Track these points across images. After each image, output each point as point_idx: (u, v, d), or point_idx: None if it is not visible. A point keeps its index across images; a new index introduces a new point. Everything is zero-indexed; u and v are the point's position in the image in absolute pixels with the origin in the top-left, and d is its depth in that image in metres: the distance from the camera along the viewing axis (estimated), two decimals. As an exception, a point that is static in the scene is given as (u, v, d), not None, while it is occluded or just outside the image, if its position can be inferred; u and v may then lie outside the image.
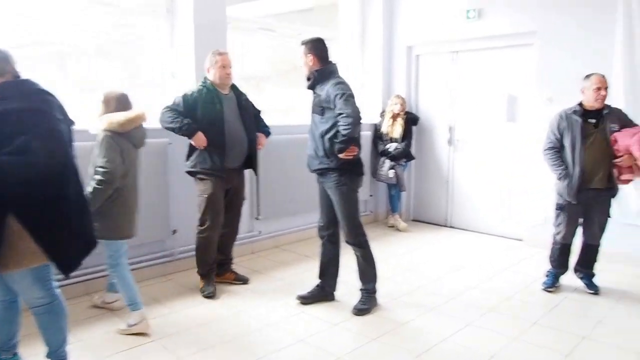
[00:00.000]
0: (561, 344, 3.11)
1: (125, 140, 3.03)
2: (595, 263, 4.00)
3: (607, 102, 3.77)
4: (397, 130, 5.79)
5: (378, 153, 5.93)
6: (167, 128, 3.70)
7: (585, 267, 4.03)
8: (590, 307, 3.70)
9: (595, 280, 4.01)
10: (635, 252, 4.49)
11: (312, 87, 3.46)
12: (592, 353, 2.99)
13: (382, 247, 5.16)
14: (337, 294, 3.74)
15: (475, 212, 5.85)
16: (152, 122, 3.58)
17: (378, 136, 5.96)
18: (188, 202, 4.10)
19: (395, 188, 5.91)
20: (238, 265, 4.30)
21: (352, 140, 3.25)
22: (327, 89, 3.32)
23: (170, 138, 4.04)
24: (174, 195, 4.18)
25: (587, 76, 3.78)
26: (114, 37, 4.27)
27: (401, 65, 6.28)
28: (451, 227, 6.05)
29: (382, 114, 6.03)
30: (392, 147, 5.78)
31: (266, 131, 4.14)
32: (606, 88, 3.72)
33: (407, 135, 5.82)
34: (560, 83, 4.89)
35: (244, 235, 4.73)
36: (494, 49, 5.56)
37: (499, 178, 5.61)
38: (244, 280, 4.08)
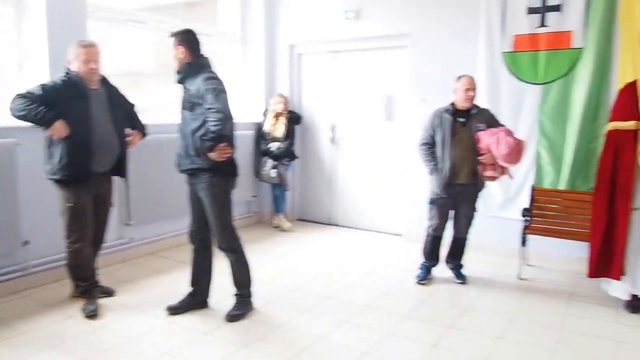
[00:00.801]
0: (430, 335, 3.21)
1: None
2: (464, 255, 4.23)
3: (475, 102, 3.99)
4: (279, 130, 5.71)
5: (260, 152, 5.81)
6: (19, 117, 3.16)
7: (455, 259, 4.24)
8: (458, 296, 3.88)
9: (464, 270, 4.23)
10: (499, 243, 4.81)
11: (181, 81, 3.24)
12: (456, 341, 3.11)
13: (265, 249, 5.07)
14: (211, 300, 3.55)
15: (357, 210, 5.95)
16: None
17: (260, 135, 5.84)
18: (43, 209, 3.69)
19: (278, 188, 5.83)
20: (105, 276, 3.95)
21: (222, 138, 3.06)
22: (197, 84, 3.12)
23: (19, 138, 3.60)
24: (24, 202, 3.71)
25: (459, 77, 3.98)
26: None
27: (284, 64, 6.22)
28: (335, 225, 6.10)
29: (265, 113, 5.92)
30: (274, 146, 5.69)
31: (141, 128, 3.78)
32: (474, 89, 3.92)
33: (289, 134, 5.76)
34: (432, 84, 5.11)
35: (113, 243, 4.36)
36: (371, 49, 5.69)
37: (378, 175, 5.75)
38: (108, 293, 3.74)
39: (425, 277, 4.15)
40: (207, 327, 3.24)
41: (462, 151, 3.91)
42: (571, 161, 4.44)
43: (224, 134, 3.08)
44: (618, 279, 3.51)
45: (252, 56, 6.18)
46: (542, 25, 4.52)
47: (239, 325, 3.29)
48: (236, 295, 3.44)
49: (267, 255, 4.83)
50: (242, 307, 3.41)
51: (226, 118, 3.06)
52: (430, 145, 4.04)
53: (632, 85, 3.50)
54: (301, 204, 6.39)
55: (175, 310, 3.43)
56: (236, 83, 6.05)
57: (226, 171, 3.28)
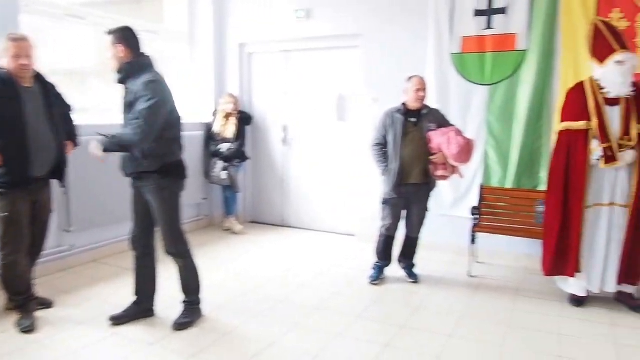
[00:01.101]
0: (382, 335, 3.19)
1: None
2: (416, 254, 4.25)
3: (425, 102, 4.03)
4: (230, 130, 5.58)
5: (210, 154, 5.67)
6: None
7: (407, 258, 4.26)
8: (410, 296, 3.89)
9: (416, 269, 4.25)
10: (450, 241, 4.88)
11: (122, 81, 3.07)
12: (409, 340, 3.11)
13: (216, 252, 4.94)
14: (157, 308, 3.40)
15: (310, 211, 5.90)
16: None
17: (210, 136, 5.69)
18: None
19: (229, 190, 5.70)
20: (43, 286, 3.73)
21: (122, 148, 2.95)
22: (138, 85, 2.95)
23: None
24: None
25: (409, 78, 3.99)
26: None
27: (233, 63, 6.09)
28: (288, 226, 6.03)
29: (215, 113, 5.78)
30: (224, 147, 5.56)
31: (74, 137, 3.56)
32: (425, 89, 3.95)
33: (240, 135, 5.65)
34: (384, 84, 5.13)
35: (52, 251, 4.11)
36: (323, 49, 5.66)
37: (331, 176, 5.72)
38: (46, 304, 3.51)
39: (378, 277, 4.15)
40: (153, 337, 3.10)
41: (413, 151, 3.93)
42: (517, 160, 4.55)
43: (126, 146, 2.94)
44: (573, 276, 3.57)
45: (201, 55, 6.03)
46: (489, 27, 4.61)
47: (187, 334, 3.16)
48: (184, 302, 3.31)
49: (217, 259, 4.70)
50: (190, 315, 3.28)
51: (144, 137, 2.89)
52: (382, 146, 4.05)
53: (580, 86, 3.60)
54: (253, 205, 6.28)
55: (118, 320, 3.26)
56: (184, 82, 5.88)
57: (174, 173, 3.15)
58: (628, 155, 3.38)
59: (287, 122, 5.96)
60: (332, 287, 4.01)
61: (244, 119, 5.78)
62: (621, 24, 4.01)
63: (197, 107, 5.95)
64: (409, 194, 4.02)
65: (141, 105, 2.89)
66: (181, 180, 3.21)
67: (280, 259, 4.77)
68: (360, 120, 5.38)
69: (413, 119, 3.97)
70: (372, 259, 4.26)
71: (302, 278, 4.22)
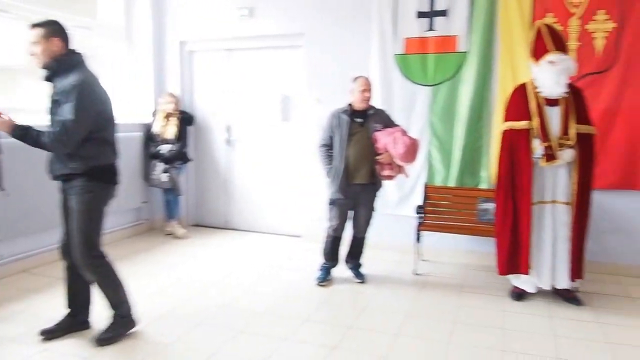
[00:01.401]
0: (330, 337, 3.15)
1: None
2: (363, 254, 4.25)
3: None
4: (170, 131, 5.38)
5: (150, 156, 5.43)
6: None
7: (354, 258, 4.25)
8: (358, 296, 3.87)
9: (363, 269, 4.24)
10: (396, 240, 4.92)
11: (50, 78, 2.86)
12: (356, 341, 3.08)
13: (157, 258, 4.74)
14: (94, 320, 3.19)
15: (255, 212, 5.79)
16: None
17: (150, 137, 5.46)
18: None
19: (171, 193, 5.49)
20: (-36, 300, 3.44)
21: (37, 144, 2.77)
22: (66, 85, 2.74)
23: None
24: None
25: (355, 78, 3.98)
26: None
27: (174, 61, 5.89)
28: (232, 229, 5.89)
29: (154, 113, 5.55)
30: (165, 148, 5.35)
31: None
32: (370, 90, 3.95)
33: (181, 135, 5.45)
34: (327, 84, 5.11)
35: (-25, 262, 3.81)
36: (267, 48, 5.57)
37: (276, 177, 5.64)
38: (-31, 319, 3.24)
39: (325, 278, 4.11)
40: (87, 351, 2.90)
41: (360, 151, 3.92)
42: (459, 159, 4.65)
43: (32, 142, 2.78)
44: (527, 273, 3.64)
45: (139, 52, 5.78)
46: (431, 29, 4.69)
47: (120, 348, 2.96)
48: (113, 315, 3.06)
49: (158, 265, 4.51)
50: (115, 329, 3.02)
51: (60, 146, 2.75)
52: (328, 147, 4.02)
53: (522, 87, 3.70)
54: (196, 208, 6.09)
55: (50, 334, 3.03)
56: (121, 81, 5.62)
57: (103, 177, 2.94)
58: (567, 154, 3.50)
59: (231, 123, 5.83)
60: (279, 290, 3.93)
61: (185, 119, 5.60)
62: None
63: (135, 107, 5.70)
64: (356, 195, 4.01)
65: (64, 111, 2.71)
66: (110, 185, 2.99)
67: (224, 263, 4.64)
68: (304, 120, 5.33)
69: (359, 120, 3.96)
70: (318, 260, 4.22)
71: (247, 282, 4.12)
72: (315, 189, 5.11)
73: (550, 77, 3.50)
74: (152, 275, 4.20)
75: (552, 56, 3.49)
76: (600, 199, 4.00)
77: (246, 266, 4.54)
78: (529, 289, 3.74)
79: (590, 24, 4.18)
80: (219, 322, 3.35)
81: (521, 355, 2.91)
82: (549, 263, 3.62)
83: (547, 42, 3.52)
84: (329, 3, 5.08)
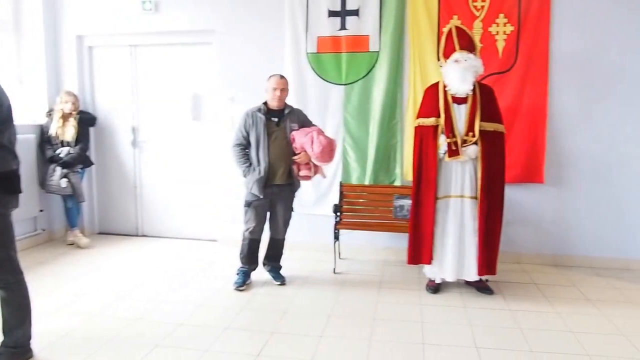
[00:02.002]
0: (252, 344, 3.03)
1: None
2: (282, 256, 4.17)
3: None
4: (69, 133, 4.95)
5: (47, 160, 4.96)
6: None
7: (273, 260, 4.15)
8: (278, 299, 3.78)
9: (282, 271, 4.16)
10: (314, 239, 4.89)
11: None
12: (280, 346, 2.99)
13: (57, 271, 4.33)
14: (36, 348, 2.81)
15: (167, 217, 5.51)
16: None
17: (46, 140, 4.99)
18: None
19: (71, 199, 5.04)
20: None
21: None
22: None
23: None
24: None
25: (270, 77, 3.89)
26: None
27: (71, 57, 5.43)
28: (143, 236, 5.56)
29: (50, 114, 5.08)
30: (63, 152, 4.92)
31: None
32: (285, 89, 3.87)
33: (82, 137, 5.04)
34: (241, 82, 4.98)
35: None
36: (175, 44, 5.31)
37: (189, 179, 5.40)
38: None
39: (244, 282, 3.97)
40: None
41: (277, 151, 3.85)
42: (374, 157, 4.71)
43: None
44: (429, 263, 3.79)
45: (29, 47, 5.26)
46: (343, 28, 4.71)
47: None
48: (2, 346, 2.71)
49: (59, 279, 4.12)
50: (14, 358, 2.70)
51: None
52: (243, 147, 3.90)
53: (435, 85, 3.82)
54: (101, 215, 5.67)
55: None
56: (9, 78, 5.08)
57: (4, 187, 2.61)
58: (470, 150, 3.65)
59: (137, 123, 5.49)
60: (196, 299, 3.73)
61: (86, 120, 5.18)
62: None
63: (27, 107, 5.19)
64: (273, 195, 3.92)
65: None
66: (11, 195, 2.66)
67: (135, 273, 4.34)
68: (217, 119, 5.15)
69: (275, 119, 3.88)
70: (236, 264, 4.08)
71: (161, 292, 3.88)
72: (230, 191, 4.95)
73: (455, 75, 3.63)
74: (52, 290, 3.83)
75: (457, 55, 3.64)
76: (505, 192, 4.23)
77: (159, 275, 4.28)
78: (435, 278, 3.88)
79: (492, 26, 4.42)
80: (131, 338, 3.10)
81: (441, 347, 2.98)
82: (455, 256, 3.75)
83: (455, 42, 3.66)
84: (240, 0, 4.94)
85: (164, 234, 5.51)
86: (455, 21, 4.40)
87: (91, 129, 5.33)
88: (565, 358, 2.85)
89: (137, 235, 5.57)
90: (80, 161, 5.05)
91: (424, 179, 3.75)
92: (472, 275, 3.75)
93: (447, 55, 3.71)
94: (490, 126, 3.68)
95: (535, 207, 4.55)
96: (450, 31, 3.72)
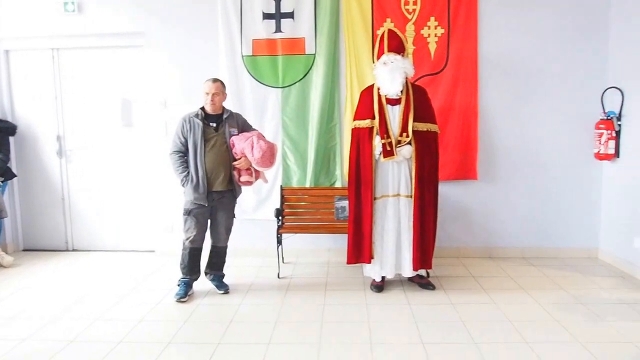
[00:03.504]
0: (198, 357, 2.92)
1: None
2: (224, 263, 4.07)
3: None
4: (-14, 143, 4.60)
5: (-39, 173, 4.59)
6: None
7: (215, 269, 4.05)
8: (222, 309, 3.68)
9: (226, 279, 4.07)
10: (257, 244, 4.83)
11: None
12: (228, 357, 2.91)
13: (-24, 295, 3.99)
14: None
15: (99, 229, 5.24)
16: None
17: (-41, 152, 4.60)
18: None
19: (-9, 215, 4.68)
20: None
21: None
22: None
23: None
24: None
25: (205, 81, 3.79)
26: None
27: (-15, 62, 5.05)
28: (74, 250, 5.25)
29: (-37, 123, 4.69)
30: (-20, 164, 4.56)
31: None
32: (220, 93, 3.78)
33: (1, 148, 4.70)
34: (173, 87, 4.84)
35: None
36: (102, 48, 5.06)
37: (121, 187, 5.16)
38: None
39: (185, 293, 3.84)
40: None
41: (216, 157, 3.75)
42: (314, 160, 4.72)
43: None
44: (369, 262, 3.83)
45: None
46: (278, 30, 4.68)
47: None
48: None
49: (-19, 303, 3.81)
50: None
51: None
52: (182, 154, 3.78)
53: (370, 87, 3.87)
54: (26, 230, 5.30)
55: None
56: None
57: None
58: (405, 150, 3.73)
59: (62, 131, 5.18)
60: (136, 314, 3.56)
61: (5, 130, 4.83)
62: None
63: None
64: (214, 202, 3.83)
65: None
66: None
67: (66, 291, 4.08)
68: (149, 125, 4.96)
69: (213, 124, 3.78)
70: (177, 274, 3.94)
71: (97, 309, 3.66)
72: (167, 199, 4.78)
73: (384, 77, 3.70)
74: (-27, 316, 3.53)
75: (385, 57, 3.72)
76: (441, 190, 4.36)
77: (94, 292, 4.05)
78: (376, 277, 3.93)
79: (424, 29, 4.54)
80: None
81: (389, 346, 3.02)
82: (393, 253, 3.83)
83: (385, 44, 3.73)
84: (169, 1, 4.78)
85: (97, 247, 5.23)
86: (388, 24, 4.48)
87: (11, 139, 4.97)
88: (506, 347, 2.97)
89: (67, 250, 5.26)
90: (0, 174, 4.69)
91: (362, 179, 3.79)
92: (409, 270, 3.83)
93: (378, 57, 3.78)
94: (423, 126, 3.76)
95: (470, 203, 4.73)
96: (383, 34, 3.78)
